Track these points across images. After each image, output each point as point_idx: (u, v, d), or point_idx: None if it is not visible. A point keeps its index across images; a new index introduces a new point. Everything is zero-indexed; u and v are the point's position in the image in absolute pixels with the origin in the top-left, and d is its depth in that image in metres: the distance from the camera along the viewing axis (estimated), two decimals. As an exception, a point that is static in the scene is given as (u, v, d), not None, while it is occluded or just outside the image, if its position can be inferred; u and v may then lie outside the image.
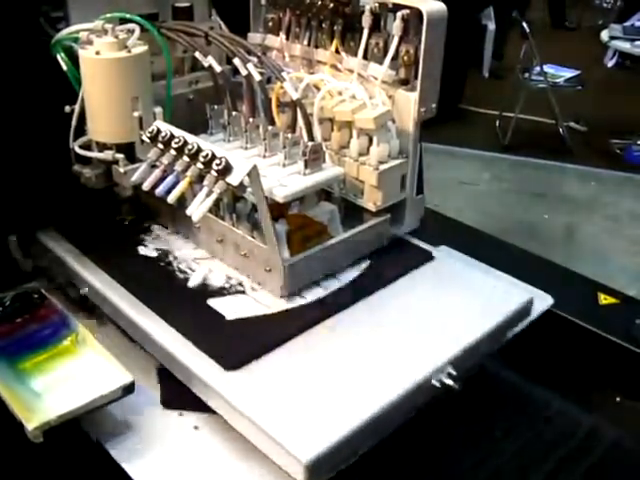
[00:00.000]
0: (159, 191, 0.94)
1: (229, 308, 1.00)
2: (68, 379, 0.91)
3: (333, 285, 1.05)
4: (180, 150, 0.93)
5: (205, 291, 1.03)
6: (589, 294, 1.28)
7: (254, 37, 1.21)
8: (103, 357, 0.93)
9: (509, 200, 3.67)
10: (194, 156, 0.91)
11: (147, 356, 0.99)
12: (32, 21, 1.07)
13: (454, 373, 0.91)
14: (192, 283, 1.05)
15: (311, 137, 1.05)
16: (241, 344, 0.93)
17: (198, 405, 0.91)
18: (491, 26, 4.82)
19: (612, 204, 3.62)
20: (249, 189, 0.93)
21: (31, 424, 0.82)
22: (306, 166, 1.01)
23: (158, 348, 0.96)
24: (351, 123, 1.06)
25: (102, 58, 0.98)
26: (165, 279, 1.06)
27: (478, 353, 0.98)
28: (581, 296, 1.28)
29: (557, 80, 4.25)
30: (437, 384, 0.90)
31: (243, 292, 1.03)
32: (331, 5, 1.06)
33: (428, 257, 1.14)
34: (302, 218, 1.04)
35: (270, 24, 1.19)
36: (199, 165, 0.90)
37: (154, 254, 1.12)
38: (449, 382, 0.90)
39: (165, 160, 0.94)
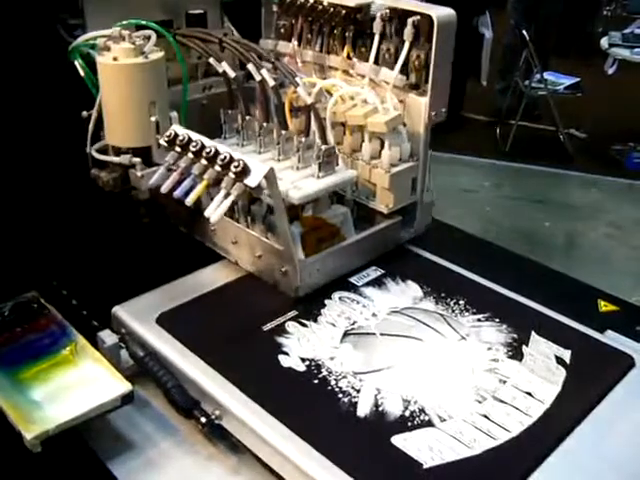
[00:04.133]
0: (177, 193, 0.95)
1: (421, 449, 0.78)
2: (67, 389, 0.90)
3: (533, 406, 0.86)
4: (198, 153, 0.94)
5: (381, 422, 0.82)
6: (589, 301, 1.25)
7: (266, 44, 1.23)
8: (102, 366, 0.92)
9: (510, 207, 3.70)
10: (212, 159, 0.93)
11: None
12: (50, 28, 1.09)
13: None
14: (362, 411, 0.83)
15: (325, 141, 1.07)
16: None
17: None
18: (488, 34, 4.85)
19: (613, 211, 3.65)
20: (265, 191, 0.95)
21: (29, 434, 0.81)
22: (320, 169, 1.03)
23: None
24: (363, 127, 1.08)
25: (120, 64, 1.00)
26: (326, 405, 0.85)
27: None
28: (581, 303, 1.25)
29: (557, 87, 4.29)
30: None
31: (430, 423, 0.82)
32: (344, 12, 1.08)
33: (628, 363, 0.94)
34: (316, 220, 1.06)
35: (282, 31, 1.21)
36: (217, 168, 0.92)
37: (302, 367, 0.91)
38: None
39: (182, 163, 0.96)
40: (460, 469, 0.76)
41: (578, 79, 4.39)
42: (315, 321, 0.99)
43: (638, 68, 3.98)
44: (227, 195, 0.92)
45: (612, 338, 1.03)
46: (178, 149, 0.97)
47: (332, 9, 1.10)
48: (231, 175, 0.91)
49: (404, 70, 1.08)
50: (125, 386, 0.88)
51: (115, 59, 1.00)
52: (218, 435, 0.88)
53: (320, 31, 1.16)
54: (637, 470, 0.80)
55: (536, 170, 4.09)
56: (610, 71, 3.97)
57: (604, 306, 1.24)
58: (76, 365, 0.93)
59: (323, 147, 1.03)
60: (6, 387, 0.89)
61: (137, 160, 1.06)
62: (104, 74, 1.02)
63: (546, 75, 4.26)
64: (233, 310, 1.02)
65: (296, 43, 1.19)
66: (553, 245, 3.30)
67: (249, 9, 1.26)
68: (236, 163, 0.90)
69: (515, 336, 0.98)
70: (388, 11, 1.07)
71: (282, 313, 1.00)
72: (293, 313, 1.00)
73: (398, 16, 1.07)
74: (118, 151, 1.08)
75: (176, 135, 0.98)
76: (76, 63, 1.05)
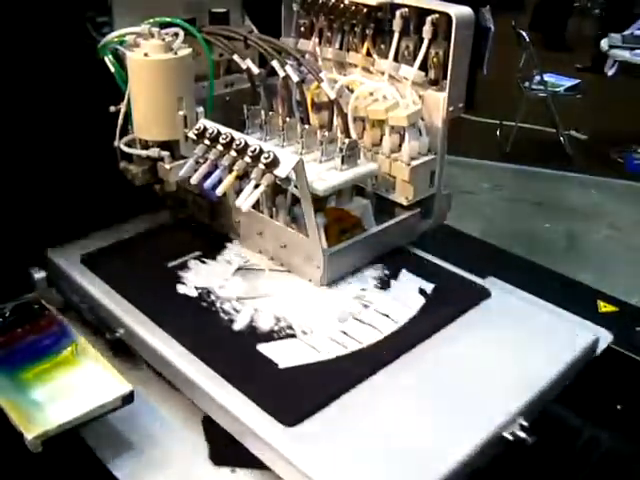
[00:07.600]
0: (207, 185, 0.99)
1: (281, 354, 0.93)
2: (68, 389, 0.91)
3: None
4: (227, 145, 0.98)
5: (253, 335, 0.97)
6: (589, 302, 1.27)
7: (287, 42, 1.26)
8: (102, 367, 0.94)
9: (510, 209, 3.72)
10: (242, 151, 0.96)
11: (191, 405, 0.95)
12: (78, 26, 1.13)
13: (525, 424, 0.84)
14: (238, 326, 1.00)
15: (347, 134, 1.10)
16: (297, 397, 0.86)
17: (251, 461, 0.85)
18: (492, 27, 4.85)
19: (613, 212, 3.67)
20: (293, 182, 0.98)
21: (30, 434, 0.83)
22: (343, 161, 1.06)
23: (206, 399, 0.89)
24: (383, 122, 1.12)
25: (151, 59, 1.03)
26: (208, 321, 1.00)
27: (544, 400, 0.91)
28: (581, 304, 1.25)
29: (557, 89, 4.32)
30: (509, 437, 0.83)
31: (294, 336, 0.97)
32: (365, 10, 1.11)
33: (484, 295, 1.08)
34: (339, 211, 1.10)
35: (302, 29, 1.25)
36: (247, 159, 0.96)
37: (195, 293, 1.06)
38: (522, 434, 0.83)
39: (212, 155, 0.99)
40: (309, 370, 0.90)
41: (578, 81, 4.42)
42: (214, 259, 1.14)
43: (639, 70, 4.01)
44: (257, 185, 0.95)
45: (492, 282, 1.13)
46: (207, 142, 1.00)
47: (353, 7, 1.13)
48: (261, 166, 0.94)
49: (423, 67, 1.11)
50: (126, 387, 0.90)
51: (146, 55, 1.04)
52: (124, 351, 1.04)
53: (340, 29, 1.19)
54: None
55: (536, 172, 4.11)
56: (610, 73, 4.00)
57: (604, 307, 1.26)
58: (77, 366, 0.95)
59: (346, 140, 1.06)
60: (7, 387, 0.90)
61: (165, 153, 1.09)
62: (135, 69, 1.05)
63: (546, 77, 4.29)
64: (145, 252, 1.18)
65: (316, 41, 1.22)
66: (553, 247, 3.32)
67: (269, 8, 1.30)
68: (266, 154, 0.94)
69: (387, 272, 1.10)
70: (407, 9, 1.10)
71: (187, 253, 1.14)
72: (197, 253, 1.15)
73: (417, 14, 1.10)
74: (145, 145, 1.12)
75: (205, 128, 1.01)
76: (106, 59, 1.09)
